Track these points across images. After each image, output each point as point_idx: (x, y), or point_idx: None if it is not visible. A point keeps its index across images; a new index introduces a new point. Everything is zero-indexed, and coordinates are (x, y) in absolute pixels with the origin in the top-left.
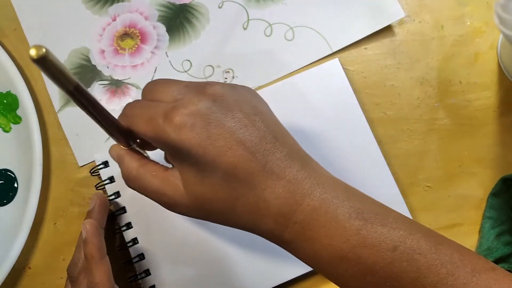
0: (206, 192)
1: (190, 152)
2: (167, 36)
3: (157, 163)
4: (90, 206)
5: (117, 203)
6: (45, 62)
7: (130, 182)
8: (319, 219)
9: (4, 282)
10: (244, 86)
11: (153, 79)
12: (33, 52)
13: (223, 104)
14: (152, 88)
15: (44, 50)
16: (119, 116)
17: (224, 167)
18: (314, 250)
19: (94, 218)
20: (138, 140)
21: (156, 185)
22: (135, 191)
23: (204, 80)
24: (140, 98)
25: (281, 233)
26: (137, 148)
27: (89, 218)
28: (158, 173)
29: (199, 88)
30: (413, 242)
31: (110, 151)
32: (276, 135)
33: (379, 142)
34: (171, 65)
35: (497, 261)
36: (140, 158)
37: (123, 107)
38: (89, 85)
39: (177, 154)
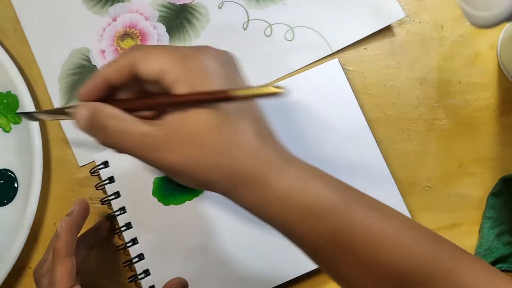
0: None
1: None
2: (167, 36)
3: None
4: (70, 209)
5: (117, 203)
6: None
7: None
8: None
9: (4, 282)
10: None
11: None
12: None
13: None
14: None
15: None
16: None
17: None
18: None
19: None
20: None
21: None
22: (135, 191)
23: None
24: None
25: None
26: None
27: None
28: None
29: None
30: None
31: None
32: None
33: (379, 142)
34: None
35: (497, 261)
36: None
37: None
38: None
39: None
